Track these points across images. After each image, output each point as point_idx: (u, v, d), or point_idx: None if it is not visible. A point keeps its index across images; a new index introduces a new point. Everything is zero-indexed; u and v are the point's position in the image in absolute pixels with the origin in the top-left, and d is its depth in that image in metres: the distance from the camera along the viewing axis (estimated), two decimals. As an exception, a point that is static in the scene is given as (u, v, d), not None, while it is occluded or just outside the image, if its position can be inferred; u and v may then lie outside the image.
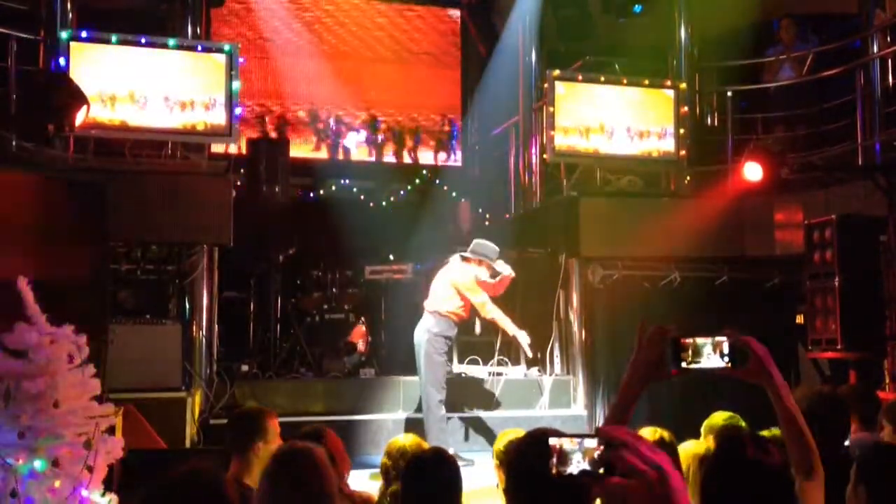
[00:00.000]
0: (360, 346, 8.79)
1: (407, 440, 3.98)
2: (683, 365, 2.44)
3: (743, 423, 4.18)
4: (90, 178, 6.56)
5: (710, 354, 2.45)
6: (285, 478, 2.83)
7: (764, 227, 8.71)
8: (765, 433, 3.12)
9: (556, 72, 8.91)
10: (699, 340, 2.45)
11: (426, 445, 3.57)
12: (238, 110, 8.01)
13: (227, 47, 7.96)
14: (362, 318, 9.02)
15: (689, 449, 3.98)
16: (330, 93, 11.11)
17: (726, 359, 2.45)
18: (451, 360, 8.14)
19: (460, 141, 11.64)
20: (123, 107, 7.52)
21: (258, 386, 7.89)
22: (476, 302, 7.50)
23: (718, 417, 4.14)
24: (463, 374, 8.29)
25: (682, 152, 9.00)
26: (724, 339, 2.44)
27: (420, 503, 3.22)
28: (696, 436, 4.28)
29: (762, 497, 2.36)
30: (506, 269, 7.65)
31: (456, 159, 11.64)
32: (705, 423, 4.16)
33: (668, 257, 8.59)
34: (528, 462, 2.29)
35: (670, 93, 9.09)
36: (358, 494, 3.91)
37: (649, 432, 4.00)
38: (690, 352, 2.45)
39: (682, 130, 8.99)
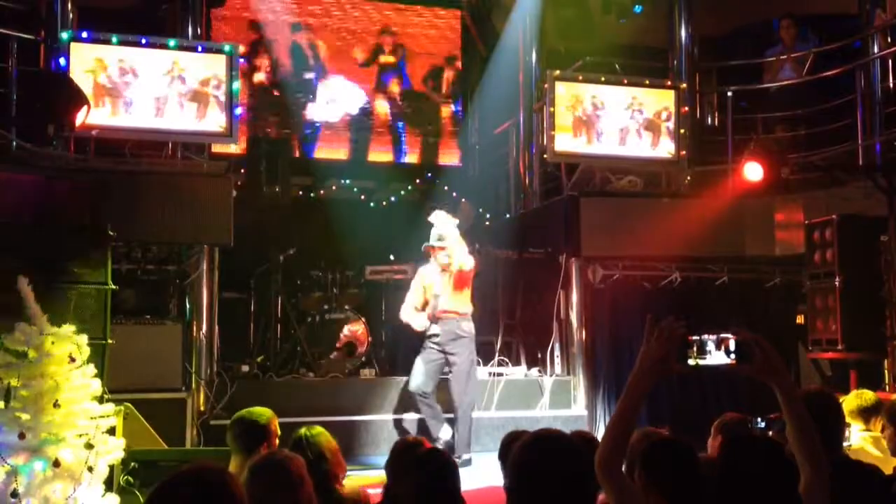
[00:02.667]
0: (357, 346, 8.73)
1: (412, 440, 3.96)
2: (690, 362, 2.46)
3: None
4: (90, 178, 6.56)
5: (716, 351, 2.47)
6: (258, 489, 2.87)
7: (764, 227, 8.71)
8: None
9: (556, 72, 8.91)
10: (705, 337, 2.47)
11: (430, 446, 3.57)
12: (238, 110, 8.01)
13: (227, 48, 7.95)
14: (353, 318, 8.94)
15: None
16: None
17: (732, 356, 2.47)
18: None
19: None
20: (123, 107, 7.52)
21: (258, 386, 7.88)
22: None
23: (729, 419, 4.13)
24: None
25: (683, 152, 9.00)
26: (729, 335, 2.47)
27: (417, 502, 3.23)
28: (696, 435, 4.28)
29: (769, 493, 2.37)
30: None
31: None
32: (716, 423, 4.15)
33: (669, 257, 8.59)
34: (533, 462, 2.29)
35: (670, 93, 9.08)
36: (351, 491, 3.91)
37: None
38: (696, 349, 2.47)
39: (682, 130, 8.99)
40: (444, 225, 7.43)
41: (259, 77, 10.80)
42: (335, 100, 11.10)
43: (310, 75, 11.04)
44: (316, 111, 11.02)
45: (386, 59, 11.33)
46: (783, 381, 2.55)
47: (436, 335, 7.41)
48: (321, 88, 11.06)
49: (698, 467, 2.92)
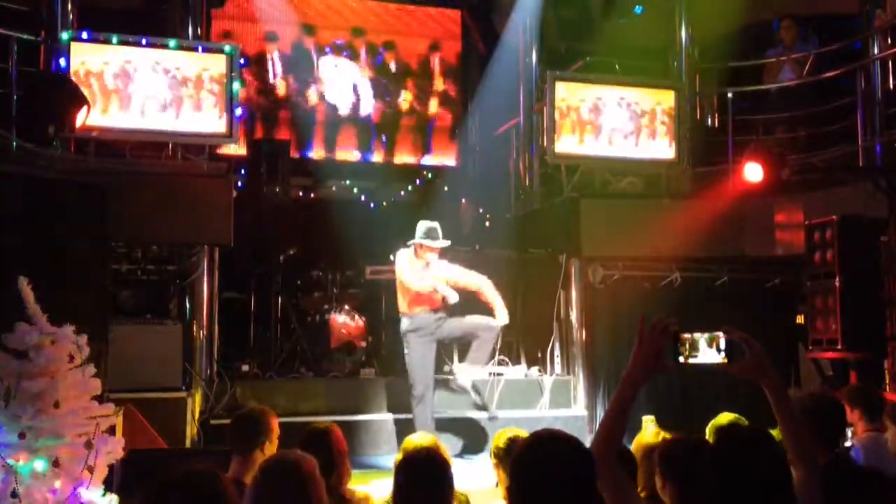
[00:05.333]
0: (351, 340, 8.72)
1: (422, 440, 3.95)
2: (681, 359, 2.51)
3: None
4: (90, 178, 6.56)
5: (708, 349, 2.52)
6: (270, 489, 2.87)
7: (764, 228, 8.71)
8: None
9: (556, 72, 8.91)
10: (697, 335, 2.52)
11: (441, 446, 3.57)
12: (238, 111, 8.01)
13: (227, 48, 7.96)
14: (349, 312, 8.92)
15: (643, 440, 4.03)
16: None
17: (723, 354, 2.52)
18: (448, 359, 8.15)
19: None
20: (123, 108, 7.52)
21: (258, 386, 7.89)
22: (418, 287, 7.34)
23: (724, 419, 4.15)
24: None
25: (683, 153, 9.00)
26: (720, 334, 2.52)
27: (410, 501, 3.25)
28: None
29: (761, 489, 2.39)
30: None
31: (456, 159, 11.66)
32: (711, 424, 4.17)
33: (669, 257, 8.59)
34: (536, 462, 2.30)
35: (670, 93, 9.08)
36: (355, 494, 3.91)
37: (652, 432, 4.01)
38: (688, 346, 2.52)
39: (682, 131, 8.98)
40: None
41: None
42: (345, 89, 11.14)
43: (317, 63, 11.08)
44: (329, 96, 11.03)
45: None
46: (772, 379, 2.59)
47: (423, 327, 7.39)
48: (331, 74, 11.08)
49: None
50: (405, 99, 11.42)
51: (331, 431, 3.92)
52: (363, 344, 8.75)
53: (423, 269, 7.40)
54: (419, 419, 7.20)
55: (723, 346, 2.55)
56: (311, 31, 11.14)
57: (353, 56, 11.24)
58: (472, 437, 7.75)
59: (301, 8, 11.13)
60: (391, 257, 9.17)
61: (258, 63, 10.87)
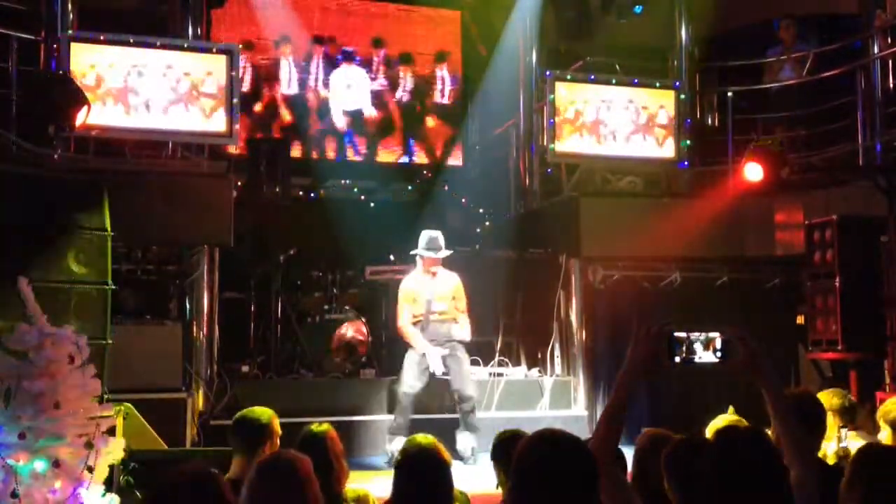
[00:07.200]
0: (359, 347, 8.71)
1: (424, 439, 3.96)
2: (677, 360, 2.50)
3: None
4: (90, 178, 6.55)
5: (704, 351, 2.51)
6: (265, 489, 2.88)
7: (764, 228, 8.71)
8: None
9: (556, 72, 8.92)
10: (693, 336, 2.51)
11: (441, 445, 3.57)
12: (238, 111, 8.00)
13: (227, 48, 7.96)
14: (353, 318, 8.92)
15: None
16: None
17: (719, 354, 2.51)
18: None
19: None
20: (123, 107, 7.52)
21: (258, 386, 7.88)
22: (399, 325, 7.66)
23: (724, 421, 4.14)
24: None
25: (682, 152, 9.00)
26: (716, 335, 2.51)
27: (407, 500, 3.24)
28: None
29: (759, 489, 2.39)
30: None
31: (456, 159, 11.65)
32: (711, 424, 4.16)
33: (669, 257, 8.59)
34: (537, 462, 2.30)
35: (670, 93, 9.08)
36: (352, 493, 3.91)
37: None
38: (684, 348, 2.51)
39: (682, 131, 8.99)
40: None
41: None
42: (351, 85, 11.13)
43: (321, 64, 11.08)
44: (334, 98, 11.03)
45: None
46: (767, 378, 2.58)
47: (435, 338, 7.47)
48: (337, 74, 11.08)
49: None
50: (405, 98, 11.41)
51: (327, 434, 3.92)
52: (364, 349, 8.73)
53: (430, 280, 7.53)
54: (396, 417, 7.37)
55: (719, 346, 2.55)
56: (319, 40, 11.14)
57: (354, 56, 11.23)
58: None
59: (306, 8, 11.12)
60: (391, 257, 9.19)
61: (259, 61, 10.86)
